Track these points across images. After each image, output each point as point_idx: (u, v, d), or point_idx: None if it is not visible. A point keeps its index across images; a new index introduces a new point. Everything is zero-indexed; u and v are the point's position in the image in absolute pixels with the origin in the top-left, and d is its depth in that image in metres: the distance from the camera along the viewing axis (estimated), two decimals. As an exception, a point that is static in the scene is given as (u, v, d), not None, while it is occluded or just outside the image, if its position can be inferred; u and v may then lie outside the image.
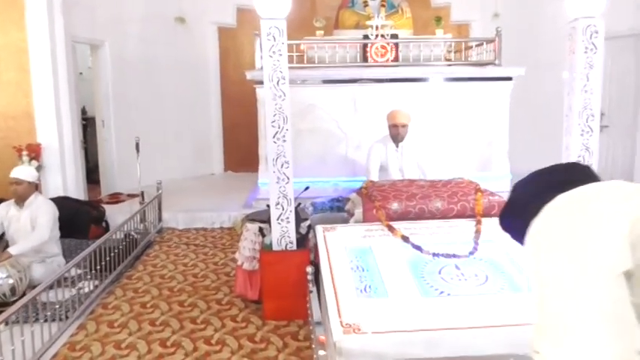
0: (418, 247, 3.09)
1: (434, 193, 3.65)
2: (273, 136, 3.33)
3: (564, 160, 3.63)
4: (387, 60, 5.83)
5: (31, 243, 3.86)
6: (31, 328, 2.96)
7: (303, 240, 3.51)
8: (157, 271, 4.38)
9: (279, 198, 3.36)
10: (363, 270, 2.90)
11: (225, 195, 6.55)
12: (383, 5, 6.51)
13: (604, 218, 1.05)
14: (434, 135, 5.56)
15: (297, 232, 3.47)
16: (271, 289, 3.37)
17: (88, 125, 7.86)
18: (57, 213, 4.09)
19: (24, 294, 3.47)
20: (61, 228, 4.22)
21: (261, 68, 5.59)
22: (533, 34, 7.22)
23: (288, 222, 3.39)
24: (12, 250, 3.75)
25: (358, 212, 3.52)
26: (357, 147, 5.64)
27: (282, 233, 3.39)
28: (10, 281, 3.61)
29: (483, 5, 7.82)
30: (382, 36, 5.80)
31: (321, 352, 2.36)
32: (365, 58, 5.86)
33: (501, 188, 4.87)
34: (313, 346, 2.55)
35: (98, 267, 3.86)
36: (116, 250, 4.19)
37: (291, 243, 3.41)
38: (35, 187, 4.09)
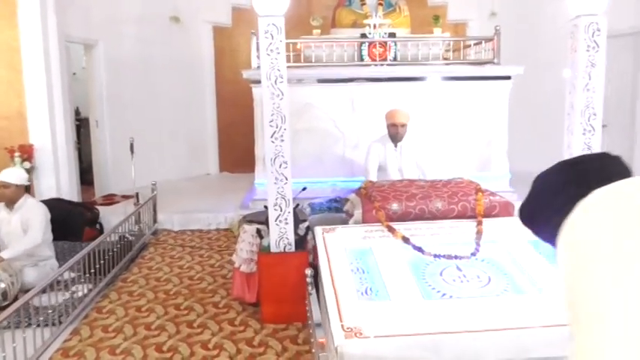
0: (419, 249, 3.04)
1: (434, 193, 3.60)
2: (271, 136, 3.27)
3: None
4: (385, 59, 5.78)
5: (24, 246, 3.78)
6: (23, 334, 2.88)
7: (301, 241, 3.45)
8: (153, 274, 4.30)
9: (277, 199, 3.30)
10: (364, 272, 2.85)
11: (221, 196, 6.48)
12: (380, 4, 6.46)
13: None
14: (432, 135, 5.51)
15: (296, 233, 3.41)
16: (269, 292, 3.30)
17: (81, 126, 7.77)
18: (48, 215, 4.01)
19: (16, 298, 3.40)
20: (54, 230, 4.15)
21: (258, 67, 5.57)
22: (530, 33, 7.20)
23: (287, 223, 3.33)
24: (4, 254, 3.68)
25: (358, 213, 3.46)
26: (355, 147, 5.59)
27: (281, 235, 3.33)
28: (2, 285, 3.53)
29: (480, 4, 7.79)
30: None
31: (322, 354, 2.30)
32: (362, 57, 5.81)
33: (500, 188, 4.85)
34: (313, 350, 2.49)
35: (92, 270, 3.79)
36: (110, 253, 4.12)
37: (290, 245, 3.35)
38: (25, 189, 4.01)
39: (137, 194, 5.68)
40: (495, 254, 3.05)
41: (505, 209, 3.55)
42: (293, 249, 3.35)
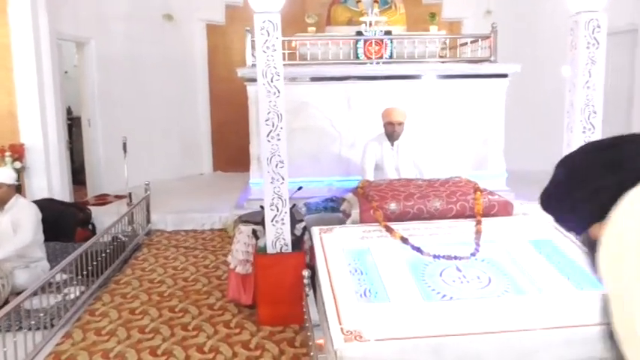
0: (418, 249, 3.00)
1: (432, 192, 3.55)
2: (267, 135, 3.21)
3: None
4: (381, 57, 5.73)
5: (14, 246, 3.70)
6: (14, 338, 2.82)
7: (298, 242, 3.39)
8: (146, 275, 4.24)
9: (273, 199, 3.24)
10: (362, 273, 2.80)
11: (215, 195, 6.42)
12: (376, 1, 6.40)
13: None
14: (429, 133, 5.47)
15: (292, 233, 3.35)
16: (266, 294, 3.25)
17: (73, 125, 7.68)
18: (40, 215, 3.93)
19: (7, 301, 3.33)
20: (46, 231, 4.07)
21: (253, 65, 5.53)
22: (525, 31, 7.18)
23: (283, 223, 3.27)
24: (-6, 254, 3.60)
25: (355, 213, 3.41)
26: (351, 145, 5.54)
27: (277, 235, 3.27)
28: (-8, 288, 3.46)
29: (475, 2, 7.76)
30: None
31: (321, 356, 2.25)
32: (358, 55, 5.76)
33: (497, 187, 4.81)
34: (312, 353, 2.43)
35: (85, 272, 3.72)
36: (103, 254, 4.04)
37: (287, 245, 3.29)
38: (15, 189, 3.93)
39: (130, 194, 5.61)
40: (495, 254, 3.01)
41: (504, 208, 3.51)
42: (290, 250, 3.30)
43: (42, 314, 3.14)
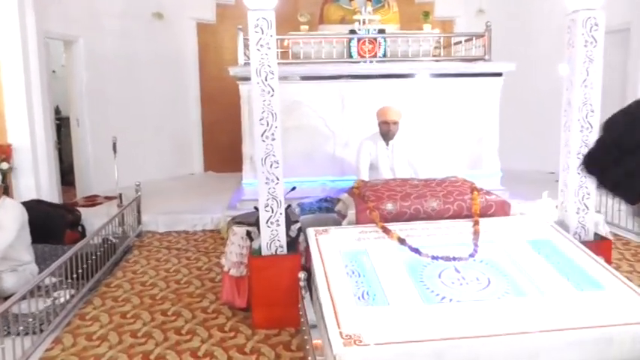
0: (416, 250, 2.96)
1: (429, 192, 3.51)
2: (262, 135, 3.14)
3: (562, 158, 3.52)
4: (375, 55, 5.69)
5: None
6: (2, 345, 2.74)
7: (293, 243, 3.33)
8: (138, 278, 4.16)
9: (268, 200, 3.18)
10: (360, 275, 2.75)
11: (207, 196, 6.34)
12: (369, -1, 6.37)
13: None
14: (423, 132, 5.43)
15: (287, 235, 3.29)
16: (261, 296, 3.18)
17: (62, 125, 7.56)
18: (26, 216, 3.83)
19: (-6, 306, 3.23)
20: (34, 233, 3.97)
21: (245, 64, 5.46)
22: (518, 30, 7.19)
23: (278, 225, 3.21)
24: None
25: (351, 213, 3.35)
26: (345, 145, 5.49)
27: (272, 237, 3.21)
28: (-21, 292, 3.37)
29: (467, 1, 7.76)
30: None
31: (320, 358, 2.20)
32: (351, 54, 5.71)
33: (491, 186, 4.78)
34: (309, 358, 2.38)
35: (75, 275, 3.62)
36: (94, 257, 3.95)
37: (282, 247, 3.23)
38: (3, 189, 3.84)
39: (120, 195, 5.52)
40: (494, 255, 2.97)
41: (501, 208, 3.48)
42: (285, 251, 3.24)
43: (31, 319, 3.05)
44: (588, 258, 2.90)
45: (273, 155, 3.15)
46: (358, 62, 5.71)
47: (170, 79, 7.64)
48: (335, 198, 3.99)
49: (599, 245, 3.31)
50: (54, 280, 3.49)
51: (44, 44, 5.77)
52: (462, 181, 3.72)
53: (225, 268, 3.49)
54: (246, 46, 5.44)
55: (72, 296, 3.61)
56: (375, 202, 3.35)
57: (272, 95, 3.12)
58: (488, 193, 3.58)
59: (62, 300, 3.51)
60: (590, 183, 3.36)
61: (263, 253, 3.23)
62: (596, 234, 3.50)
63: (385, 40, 5.76)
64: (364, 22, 5.81)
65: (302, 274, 2.86)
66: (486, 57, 5.60)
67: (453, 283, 2.70)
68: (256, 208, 3.28)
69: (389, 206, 3.35)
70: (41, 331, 3.14)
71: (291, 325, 3.15)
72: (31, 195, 5.26)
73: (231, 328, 3.25)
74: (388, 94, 5.29)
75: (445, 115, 5.63)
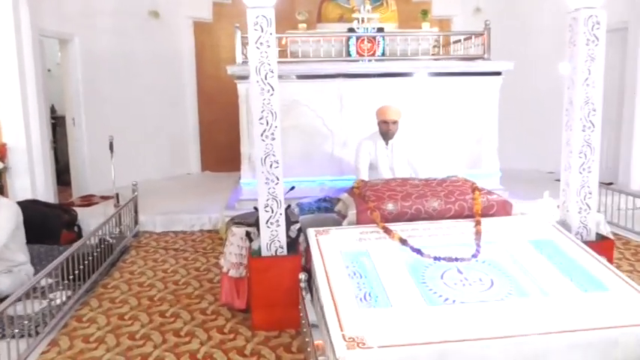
0: (418, 251, 2.92)
1: (430, 192, 3.48)
2: (261, 134, 3.10)
3: (563, 157, 3.49)
4: (374, 54, 5.65)
5: None
6: (-3, 348, 2.69)
7: (293, 244, 3.30)
8: (135, 279, 4.11)
9: (268, 200, 3.14)
10: (361, 276, 2.72)
11: (205, 196, 6.30)
12: (367, -2, 6.33)
13: None
14: (423, 132, 5.40)
15: (287, 235, 3.25)
16: (261, 298, 3.14)
17: (57, 124, 7.50)
18: (20, 215, 3.77)
19: (-11, 308, 3.18)
20: (30, 233, 3.92)
21: (243, 62, 5.42)
22: (515, 29, 7.16)
23: (278, 225, 3.17)
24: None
25: (352, 214, 3.32)
26: (344, 144, 5.45)
27: (272, 237, 3.17)
28: (-26, 294, 3.32)
29: (464, 0, 7.73)
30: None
31: (321, 358, 2.16)
32: (350, 53, 5.67)
33: (491, 186, 4.75)
34: (311, 359, 2.34)
35: (71, 276, 3.57)
36: (90, 257, 3.90)
37: (282, 248, 3.19)
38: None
39: (117, 195, 5.48)
40: (496, 255, 2.95)
41: (503, 208, 3.45)
42: (285, 252, 3.20)
43: (26, 321, 2.99)
44: (591, 258, 2.88)
45: (273, 155, 3.11)
46: (357, 61, 5.68)
47: (167, 78, 7.58)
48: (334, 198, 3.96)
49: (601, 245, 3.28)
50: (50, 281, 3.44)
51: (39, 42, 5.71)
52: (462, 181, 3.70)
53: (224, 269, 3.45)
54: (243, 45, 5.39)
55: (68, 298, 3.57)
56: (376, 202, 3.32)
57: (272, 94, 3.08)
58: (489, 192, 3.55)
59: (58, 301, 3.46)
60: (592, 182, 3.35)
61: (263, 254, 3.19)
62: (597, 234, 3.47)
63: (384, 39, 5.73)
64: (363, 21, 5.77)
65: (302, 275, 2.83)
66: (485, 56, 5.57)
67: (456, 284, 2.67)
68: (256, 209, 3.24)
69: (390, 206, 3.32)
70: (37, 333, 3.09)
71: (292, 326, 3.12)
72: (26, 195, 5.22)
73: (231, 329, 3.22)
74: (387, 93, 5.26)
75: (444, 115, 5.60)
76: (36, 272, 3.71)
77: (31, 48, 5.39)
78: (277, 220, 3.17)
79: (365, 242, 3.05)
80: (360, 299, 2.50)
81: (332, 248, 2.96)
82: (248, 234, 3.34)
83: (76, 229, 5.14)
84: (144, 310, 3.53)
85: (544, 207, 3.59)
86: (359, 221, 3.28)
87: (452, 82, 5.58)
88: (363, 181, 3.85)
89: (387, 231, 3.09)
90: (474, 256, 2.90)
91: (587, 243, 3.15)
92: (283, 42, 5.80)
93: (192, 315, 3.43)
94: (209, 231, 5.38)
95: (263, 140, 3.10)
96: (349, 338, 2.16)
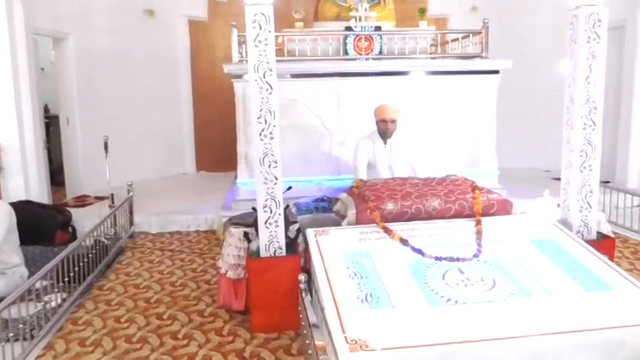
0: (419, 251, 2.89)
1: (429, 191, 3.45)
2: (260, 134, 3.05)
3: (564, 156, 3.46)
4: (372, 53, 5.62)
5: None
6: (-9, 352, 2.63)
7: (292, 244, 3.25)
8: (131, 280, 4.05)
9: (266, 200, 3.09)
10: (362, 277, 2.68)
11: (201, 196, 6.25)
12: (364, -4, 6.30)
13: None
14: (421, 130, 5.36)
15: (286, 236, 3.21)
16: (260, 299, 3.10)
17: (51, 124, 7.42)
18: (14, 216, 3.70)
19: (-17, 311, 3.12)
20: (24, 234, 3.85)
21: (240, 61, 5.37)
22: (511, 27, 7.14)
23: (277, 226, 3.12)
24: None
25: (351, 214, 3.28)
26: (342, 144, 5.41)
27: (271, 238, 3.13)
28: (-33, 297, 3.25)
29: (461, -1, 7.73)
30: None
31: (323, 357, 2.12)
32: (347, 51, 5.63)
33: (489, 185, 4.73)
34: (312, 362, 2.30)
35: (66, 278, 3.52)
36: (85, 259, 3.84)
37: (281, 248, 3.15)
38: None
39: (112, 195, 5.42)
40: (498, 255, 2.92)
41: (503, 207, 3.42)
42: (284, 253, 3.16)
43: (21, 324, 2.94)
44: (594, 257, 2.85)
45: (272, 154, 3.07)
46: (354, 60, 5.64)
47: (162, 77, 7.53)
48: (332, 198, 3.92)
49: (603, 244, 3.26)
50: (45, 283, 3.38)
51: (32, 41, 5.64)
52: (462, 180, 3.67)
53: (222, 270, 3.40)
54: (240, 43, 5.34)
55: (63, 300, 3.51)
56: (376, 202, 3.28)
57: (270, 92, 3.03)
58: (489, 191, 3.53)
59: (53, 304, 3.40)
60: (593, 181, 3.32)
61: (261, 255, 3.15)
62: (598, 232, 3.45)
63: (381, 37, 5.70)
64: (360, 19, 5.74)
65: (302, 276, 2.79)
66: (483, 54, 5.55)
67: (458, 284, 2.64)
68: (254, 209, 3.20)
69: (389, 206, 3.28)
70: (32, 336, 3.04)
71: (291, 328, 3.08)
72: (19, 195, 5.14)
73: (229, 332, 3.17)
74: (385, 92, 5.22)
75: (442, 113, 5.56)
76: (30, 274, 3.65)
77: (25, 47, 5.32)
78: (276, 221, 3.12)
79: (365, 242, 3.01)
80: (362, 300, 2.46)
81: (332, 249, 2.92)
82: (246, 235, 3.29)
83: (70, 229, 5.07)
84: (140, 312, 3.48)
85: (544, 206, 3.57)
86: (358, 221, 3.25)
87: (450, 81, 5.55)
88: (362, 180, 3.81)
89: (387, 231, 3.06)
90: (476, 255, 2.87)
91: (589, 242, 3.13)
92: (280, 40, 5.75)
93: (189, 317, 3.38)
94: (205, 231, 5.33)
95: (261, 139, 3.06)
96: (352, 340, 2.13)
